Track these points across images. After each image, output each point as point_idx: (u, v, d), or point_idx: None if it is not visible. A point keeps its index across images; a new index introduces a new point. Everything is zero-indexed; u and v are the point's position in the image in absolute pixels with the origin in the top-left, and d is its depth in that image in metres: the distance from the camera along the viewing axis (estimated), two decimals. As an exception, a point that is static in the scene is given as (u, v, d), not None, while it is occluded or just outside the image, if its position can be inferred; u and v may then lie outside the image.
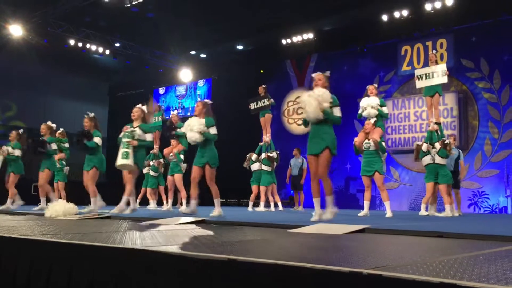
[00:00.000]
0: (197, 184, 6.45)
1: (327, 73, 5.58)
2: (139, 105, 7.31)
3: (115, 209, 6.78)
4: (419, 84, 8.63)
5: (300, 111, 17.38)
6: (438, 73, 8.33)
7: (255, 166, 10.46)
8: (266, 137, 10.37)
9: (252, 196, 10.61)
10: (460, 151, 9.17)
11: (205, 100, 6.91)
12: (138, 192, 12.04)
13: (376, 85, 8.10)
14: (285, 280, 1.68)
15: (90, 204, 7.60)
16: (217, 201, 6.46)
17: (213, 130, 6.40)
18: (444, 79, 8.39)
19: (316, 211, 5.37)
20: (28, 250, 2.66)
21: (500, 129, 12.43)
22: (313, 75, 5.59)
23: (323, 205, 5.38)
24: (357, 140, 7.55)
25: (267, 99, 10.18)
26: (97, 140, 7.61)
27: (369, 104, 7.65)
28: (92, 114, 7.77)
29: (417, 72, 8.70)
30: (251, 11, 14.10)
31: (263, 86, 10.41)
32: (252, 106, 10.34)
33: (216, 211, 6.37)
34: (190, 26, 15.25)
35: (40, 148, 8.69)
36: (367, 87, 7.97)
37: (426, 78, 8.46)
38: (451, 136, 9.33)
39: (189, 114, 18.14)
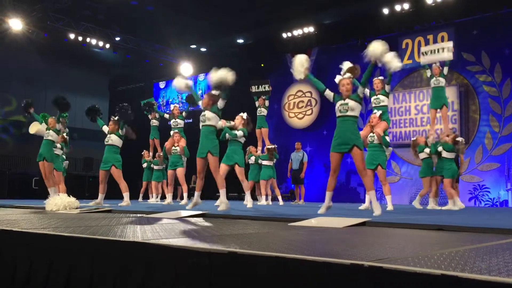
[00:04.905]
0: (203, 177, 6.45)
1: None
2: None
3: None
4: (424, 59, 8.43)
5: (300, 105, 17.04)
6: (444, 49, 8.17)
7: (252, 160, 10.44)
8: (258, 151, 10.30)
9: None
10: None
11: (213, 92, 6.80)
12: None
13: (382, 78, 7.78)
14: (286, 273, 1.67)
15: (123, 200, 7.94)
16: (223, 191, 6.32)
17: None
18: (450, 56, 8.21)
19: (325, 204, 5.33)
20: (28, 244, 2.66)
21: (501, 122, 12.40)
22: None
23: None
24: (362, 133, 7.51)
25: (267, 85, 10.21)
26: (117, 140, 8.00)
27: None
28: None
29: (423, 49, 8.55)
30: (251, 4, 14.05)
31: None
32: (253, 88, 10.42)
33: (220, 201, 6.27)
34: (190, 20, 15.21)
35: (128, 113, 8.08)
36: (373, 80, 7.82)
37: (431, 54, 8.27)
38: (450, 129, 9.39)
39: (189, 108, 18.05)
